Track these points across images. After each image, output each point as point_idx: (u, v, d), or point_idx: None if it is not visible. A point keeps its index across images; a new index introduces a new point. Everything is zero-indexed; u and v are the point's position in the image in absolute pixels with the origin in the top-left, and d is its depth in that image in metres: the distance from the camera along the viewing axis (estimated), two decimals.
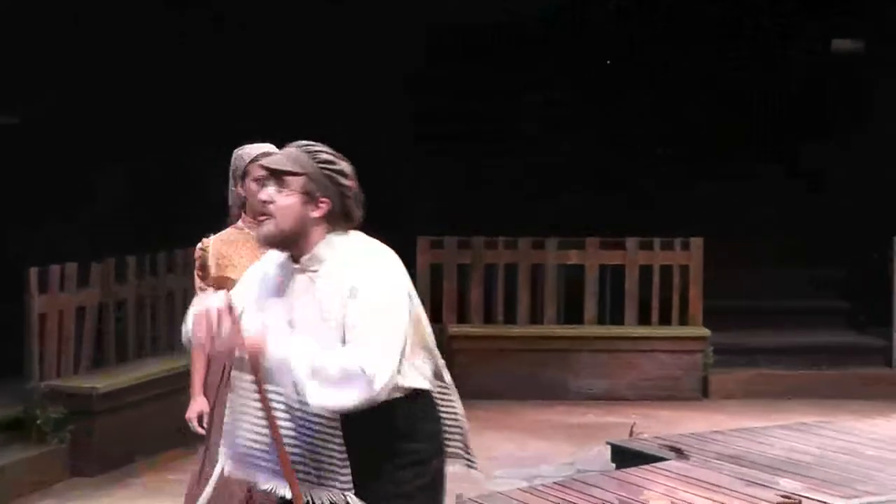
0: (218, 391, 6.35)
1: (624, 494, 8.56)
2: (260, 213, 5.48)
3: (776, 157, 17.65)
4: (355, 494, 4.50)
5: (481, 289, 13.63)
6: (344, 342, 4.50)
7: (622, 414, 12.04)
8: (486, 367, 13.05)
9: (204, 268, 6.46)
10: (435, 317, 12.94)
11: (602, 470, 9.86)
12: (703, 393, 13.24)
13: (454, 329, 13.30)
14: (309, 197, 4.68)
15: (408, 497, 4.64)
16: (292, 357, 4.39)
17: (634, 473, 9.19)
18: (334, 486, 4.53)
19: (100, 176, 14.84)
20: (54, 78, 15.09)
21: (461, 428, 5.06)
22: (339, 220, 4.77)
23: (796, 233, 15.75)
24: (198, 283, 6.47)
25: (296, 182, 4.67)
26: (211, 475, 5.71)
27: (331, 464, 4.53)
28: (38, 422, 9.93)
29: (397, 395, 4.56)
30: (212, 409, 6.41)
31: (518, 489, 9.08)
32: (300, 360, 4.37)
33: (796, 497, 8.47)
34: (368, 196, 5.18)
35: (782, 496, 8.52)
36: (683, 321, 13.55)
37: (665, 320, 13.54)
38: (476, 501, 8.64)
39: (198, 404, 6.46)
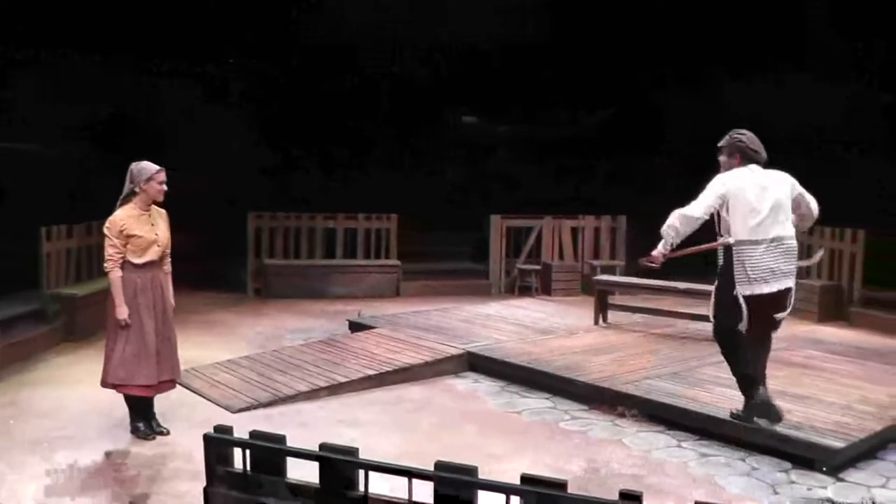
0: (133, 301, 6.43)
1: (353, 345, 9.32)
2: (155, 201, 6.50)
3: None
4: None
5: (282, 240, 13.75)
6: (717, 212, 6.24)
7: (355, 305, 12.24)
8: (285, 281, 13.35)
9: (120, 233, 6.38)
10: (257, 255, 13.73)
11: (343, 334, 10.32)
12: (396, 293, 13.62)
13: (268, 261, 13.54)
14: (728, 155, 6.37)
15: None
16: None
17: (360, 335, 9.90)
18: None
19: None
20: None
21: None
22: (748, 160, 6.31)
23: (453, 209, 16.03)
24: (114, 240, 6.37)
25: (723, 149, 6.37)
26: (130, 350, 6.41)
27: None
28: None
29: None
30: (131, 311, 6.40)
31: (299, 343, 9.70)
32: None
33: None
34: None
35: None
36: (387, 256, 13.98)
37: (377, 256, 13.97)
38: (276, 351, 9.22)
39: (124, 310, 6.36)
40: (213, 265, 13.75)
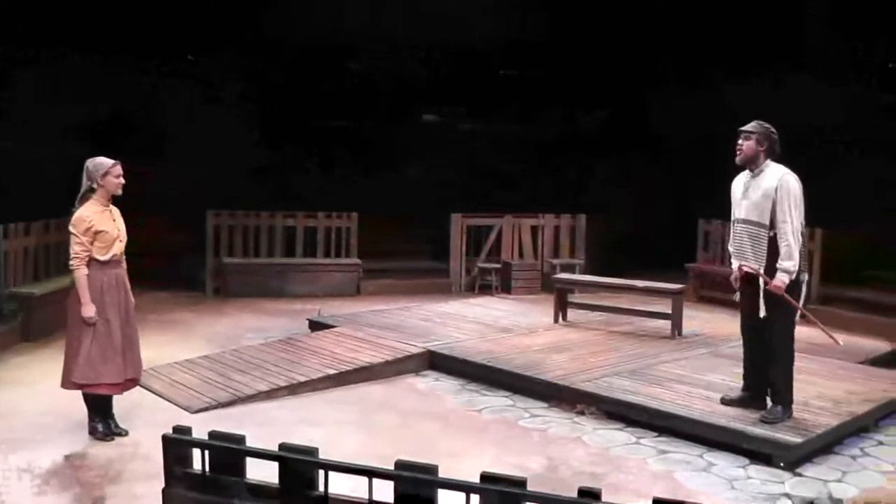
0: (100, 299, 6.37)
1: (313, 344, 9.28)
2: (114, 195, 6.43)
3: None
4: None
5: (241, 238, 13.55)
6: (772, 206, 6.13)
7: (315, 304, 12.09)
8: (244, 280, 13.19)
9: (87, 230, 6.32)
10: (216, 253, 13.55)
11: (304, 333, 10.23)
12: (356, 292, 13.52)
13: (226, 259, 13.38)
14: (758, 142, 6.27)
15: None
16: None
17: (320, 334, 9.87)
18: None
19: None
20: None
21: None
22: (771, 154, 6.34)
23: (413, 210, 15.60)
24: (81, 238, 6.31)
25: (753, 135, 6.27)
26: (97, 348, 6.34)
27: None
28: None
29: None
30: (98, 309, 6.33)
31: (259, 342, 9.63)
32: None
33: None
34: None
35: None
36: (348, 255, 13.85)
37: (338, 255, 13.82)
38: (236, 351, 9.16)
39: (91, 307, 6.30)
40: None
